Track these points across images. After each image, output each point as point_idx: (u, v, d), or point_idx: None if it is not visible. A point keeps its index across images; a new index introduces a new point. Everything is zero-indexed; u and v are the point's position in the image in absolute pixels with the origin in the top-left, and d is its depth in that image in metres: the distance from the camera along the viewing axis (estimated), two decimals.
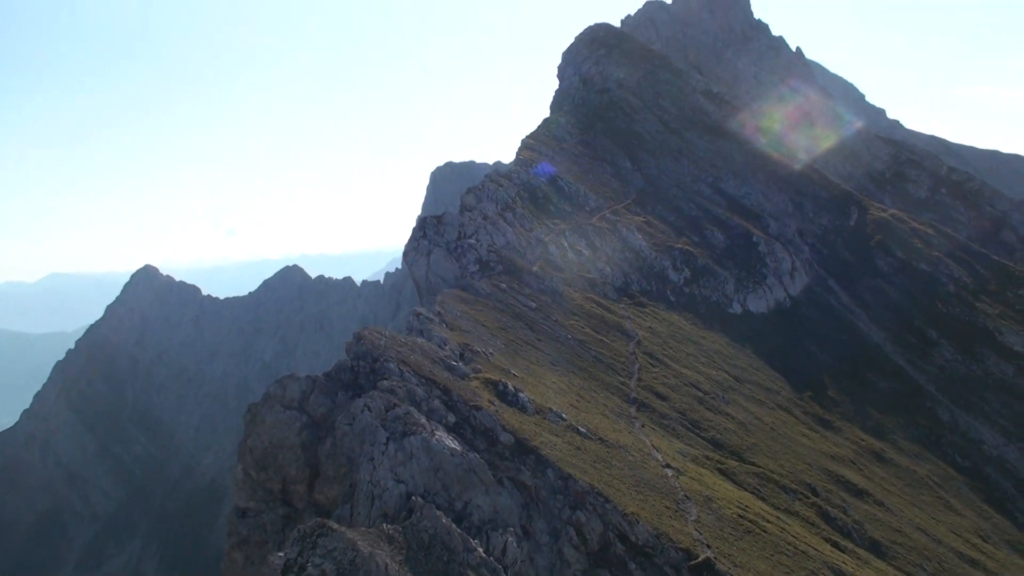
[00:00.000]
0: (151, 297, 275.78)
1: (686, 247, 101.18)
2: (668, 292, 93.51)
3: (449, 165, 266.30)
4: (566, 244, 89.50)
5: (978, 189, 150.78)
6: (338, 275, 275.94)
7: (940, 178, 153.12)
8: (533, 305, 70.39)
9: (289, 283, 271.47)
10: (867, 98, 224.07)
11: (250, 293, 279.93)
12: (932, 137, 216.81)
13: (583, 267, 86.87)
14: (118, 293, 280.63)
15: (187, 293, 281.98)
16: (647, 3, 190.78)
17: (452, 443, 36.74)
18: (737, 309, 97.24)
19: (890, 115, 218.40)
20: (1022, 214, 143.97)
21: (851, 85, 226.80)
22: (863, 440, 79.15)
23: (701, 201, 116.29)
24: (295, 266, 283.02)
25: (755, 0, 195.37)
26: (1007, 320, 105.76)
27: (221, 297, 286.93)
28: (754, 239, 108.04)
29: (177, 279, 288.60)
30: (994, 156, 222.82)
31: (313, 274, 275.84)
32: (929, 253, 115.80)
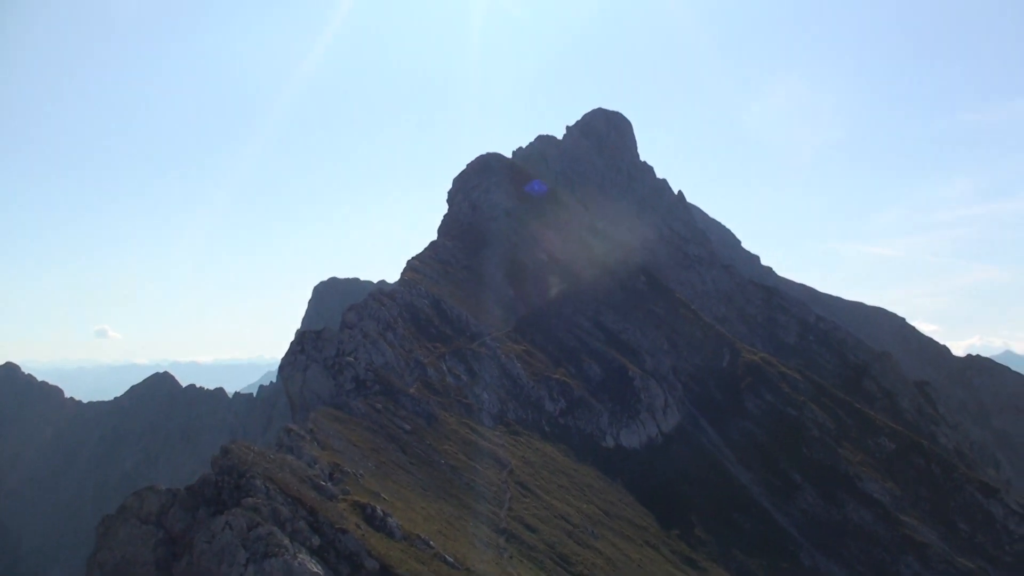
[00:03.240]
0: (10, 396, 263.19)
1: (563, 378, 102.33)
2: (543, 422, 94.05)
3: (333, 280, 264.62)
4: (445, 368, 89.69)
5: (843, 338, 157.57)
6: (209, 385, 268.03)
7: (808, 325, 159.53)
8: (408, 428, 69.93)
9: (157, 390, 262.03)
10: (743, 244, 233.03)
11: (115, 398, 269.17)
12: (802, 285, 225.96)
13: (460, 392, 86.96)
14: None
15: (49, 394, 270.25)
16: (539, 137, 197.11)
17: (314, 567, 35.79)
18: (610, 443, 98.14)
19: (764, 262, 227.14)
20: (882, 364, 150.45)
21: (728, 230, 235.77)
22: None
23: (580, 333, 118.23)
24: (165, 373, 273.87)
25: (641, 144, 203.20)
26: (866, 467, 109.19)
27: (84, 400, 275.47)
28: (630, 374, 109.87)
29: (39, 379, 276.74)
30: (858, 308, 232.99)
31: (183, 383, 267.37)
32: (796, 397, 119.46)
